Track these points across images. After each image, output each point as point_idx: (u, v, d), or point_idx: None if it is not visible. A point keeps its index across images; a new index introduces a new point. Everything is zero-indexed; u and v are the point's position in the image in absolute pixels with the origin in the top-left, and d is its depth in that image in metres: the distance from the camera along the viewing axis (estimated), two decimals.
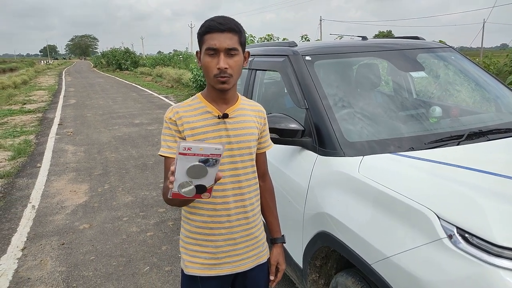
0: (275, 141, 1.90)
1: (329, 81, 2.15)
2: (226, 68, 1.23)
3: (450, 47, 2.57)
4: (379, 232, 1.41)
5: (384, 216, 1.41)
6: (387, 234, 1.38)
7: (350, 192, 1.60)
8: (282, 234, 1.58)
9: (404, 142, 1.79)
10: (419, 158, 1.63)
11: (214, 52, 1.23)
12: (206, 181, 1.03)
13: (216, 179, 1.04)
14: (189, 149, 0.96)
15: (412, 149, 1.74)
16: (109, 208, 4.05)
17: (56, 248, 3.28)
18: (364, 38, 2.53)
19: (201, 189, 1.03)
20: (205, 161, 0.99)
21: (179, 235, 1.48)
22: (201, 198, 1.06)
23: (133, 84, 20.23)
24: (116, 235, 3.46)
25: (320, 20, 34.30)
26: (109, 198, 4.32)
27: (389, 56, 2.25)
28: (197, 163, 0.99)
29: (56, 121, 9.39)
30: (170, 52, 36.45)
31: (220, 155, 0.99)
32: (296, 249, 1.95)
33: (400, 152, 1.72)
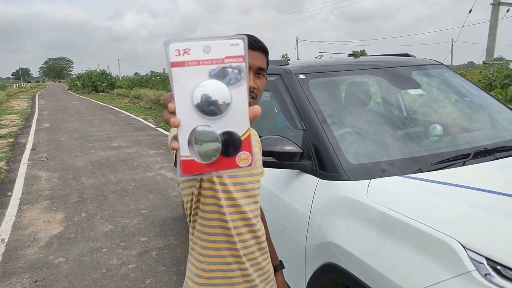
0: (270, 164, 1.76)
1: (325, 100, 2.05)
2: (254, 87, 1.16)
3: (441, 63, 2.52)
4: (398, 265, 1.28)
5: (401, 246, 1.28)
6: (407, 267, 1.25)
7: (360, 220, 1.47)
8: (280, 259, 1.47)
9: (411, 163, 1.68)
10: (430, 180, 1.52)
11: None
12: (235, 122, 0.61)
13: (253, 115, 0.63)
14: (186, 51, 0.58)
15: (420, 170, 1.63)
16: (86, 239, 3.78)
17: (28, 286, 2.99)
18: (355, 55, 2.45)
19: (231, 144, 0.61)
20: (222, 75, 0.60)
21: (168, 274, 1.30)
22: (238, 166, 0.62)
23: (110, 106, 19.84)
24: (95, 269, 3.20)
25: (297, 41, 34.90)
26: (86, 228, 4.05)
27: (385, 74, 2.17)
28: (208, 80, 0.60)
29: (29, 146, 8.99)
30: (147, 74, 36.22)
31: (243, 57, 0.60)
32: (298, 282, 1.79)
33: (408, 174, 1.61)
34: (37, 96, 34.67)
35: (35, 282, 3.06)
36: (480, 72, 10.24)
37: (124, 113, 15.93)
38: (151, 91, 21.65)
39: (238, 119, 0.60)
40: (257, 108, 0.64)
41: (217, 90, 0.59)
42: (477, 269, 1.09)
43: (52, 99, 28.84)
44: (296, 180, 1.86)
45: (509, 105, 2.31)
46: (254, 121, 0.63)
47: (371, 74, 2.24)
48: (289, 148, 1.80)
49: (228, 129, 0.60)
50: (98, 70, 38.95)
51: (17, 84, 73.14)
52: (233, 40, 0.60)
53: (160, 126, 11.39)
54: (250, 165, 0.62)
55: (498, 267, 1.08)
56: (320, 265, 1.60)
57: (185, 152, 0.60)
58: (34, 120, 14.65)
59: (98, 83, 35.65)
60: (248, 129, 0.61)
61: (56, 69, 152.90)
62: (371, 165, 1.66)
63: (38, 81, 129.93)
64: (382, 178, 1.59)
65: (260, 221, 1.32)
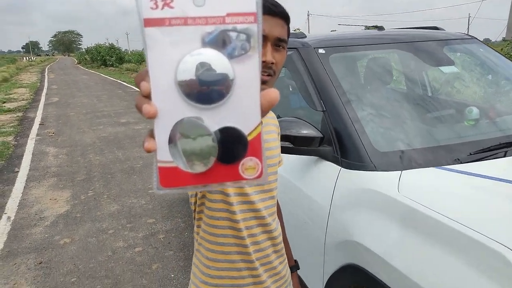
0: (286, 150, 1.58)
1: (347, 78, 1.83)
2: (272, 62, 0.95)
3: (474, 38, 2.27)
4: (435, 274, 1.10)
5: (443, 253, 1.10)
6: (447, 277, 1.07)
7: (389, 217, 1.29)
8: (294, 259, 1.31)
9: (447, 152, 1.48)
10: (472, 174, 1.33)
11: None
12: (240, 113, 0.41)
13: (268, 102, 0.42)
14: (167, 2, 0.39)
15: (459, 161, 1.43)
16: (93, 219, 3.68)
17: (33, 268, 2.91)
18: (380, 28, 2.21)
19: (232, 146, 0.42)
20: (221, 41, 0.40)
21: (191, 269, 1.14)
22: (241, 178, 0.43)
23: (119, 81, 19.65)
24: (100, 252, 3.10)
25: (308, 15, 33.96)
26: (93, 207, 3.95)
27: (414, 49, 1.94)
28: (201, 49, 0.40)
29: (37, 120, 8.90)
30: None
31: (255, 16, 0.40)
32: (314, 284, 1.63)
33: (444, 165, 1.41)
34: (46, 69, 34.61)
35: (40, 263, 2.97)
36: (501, 49, 9.77)
37: (133, 89, 15.75)
38: None
39: (244, 108, 0.41)
40: (273, 93, 0.42)
41: (214, 63, 0.40)
42: None
43: (62, 73, 28.75)
44: (314, 168, 1.67)
45: None
46: (268, 111, 0.43)
47: (399, 48, 2.00)
48: (307, 131, 1.61)
49: (229, 123, 0.41)
50: (107, 44, 38.60)
51: (27, 58, 73.20)
52: None
53: None
54: (259, 177, 0.43)
55: None
56: (341, 266, 1.43)
57: (164, 155, 0.41)
58: (43, 94, 14.57)
59: (107, 57, 35.38)
60: (259, 123, 0.42)
61: (65, 43, 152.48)
62: (402, 154, 1.47)
63: (47, 55, 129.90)
64: (415, 170, 1.39)
65: (277, 218, 1.15)
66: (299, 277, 1.44)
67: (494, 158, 1.46)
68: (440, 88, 2.01)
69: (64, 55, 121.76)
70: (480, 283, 0.98)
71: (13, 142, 6.87)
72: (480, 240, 1.01)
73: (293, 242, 1.33)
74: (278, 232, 1.13)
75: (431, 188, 1.31)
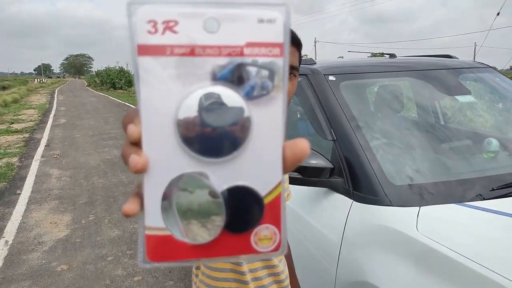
0: (295, 181, 1.49)
1: (359, 106, 1.76)
2: None
3: (490, 67, 2.20)
4: None
5: None
6: None
7: (407, 258, 1.18)
8: None
9: (468, 186, 1.38)
10: (497, 212, 1.22)
11: None
12: (257, 168, 0.33)
13: (295, 156, 0.34)
14: (170, 25, 0.31)
15: (481, 196, 1.33)
16: (92, 245, 3.57)
17: None
18: (392, 55, 2.15)
19: (244, 210, 0.33)
20: (237, 78, 0.32)
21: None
22: (254, 251, 0.34)
23: (127, 104, 19.83)
24: (98, 280, 2.97)
25: (315, 42, 34.42)
26: (93, 232, 3.84)
27: (428, 78, 1.87)
28: (210, 86, 0.32)
29: (43, 142, 8.91)
30: None
31: (281, 47, 0.32)
32: None
33: (466, 201, 1.31)
34: (56, 91, 35.15)
35: None
36: (511, 77, 9.73)
37: None
38: None
39: (262, 163, 0.33)
40: (303, 144, 0.34)
41: (224, 96, 0.32)
42: None
43: (71, 95, 29.15)
44: (324, 200, 1.57)
45: None
46: (293, 168, 0.34)
47: (412, 77, 1.94)
48: (316, 162, 1.52)
49: (242, 181, 0.33)
50: (117, 67, 39.30)
51: (38, 79, 74.63)
52: (265, 12, 0.31)
53: None
54: (276, 249, 0.34)
55: None
56: None
57: (154, 221, 0.32)
58: (51, 115, 14.69)
59: (116, 80, 35.94)
60: (280, 182, 0.34)
61: (76, 66, 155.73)
62: (419, 188, 1.37)
63: (58, 77, 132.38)
64: (434, 206, 1.29)
65: (284, 260, 1.05)
66: None
67: None
68: (455, 118, 1.92)
69: (75, 78, 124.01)
70: None
71: (17, 164, 6.84)
72: (504, 285, 0.90)
73: (302, 278, 1.23)
74: (285, 274, 1.03)
75: (452, 227, 1.21)
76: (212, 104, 0.31)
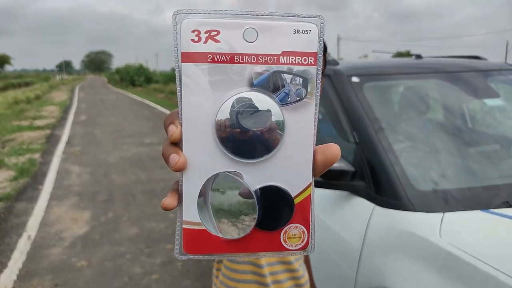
0: (316, 184, 1.47)
1: (382, 108, 1.73)
2: None
3: None
4: None
5: None
6: None
7: (430, 265, 1.15)
8: None
9: (494, 193, 1.34)
10: None
11: None
12: (288, 170, 0.35)
13: (326, 159, 0.35)
14: (212, 35, 0.33)
15: (508, 204, 1.29)
16: (111, 242, 3.62)
17: None
18: (418, 56, 2.10)
19: (275, 209, 0.35)
20: (272, 84, 0.34)
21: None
22: (283, 249, 0.36)
23: (145, 101, 20.07)
24: (116, 277, 3.02)
25: (338, 39, 34.07)
26: (112, 230, 3.90)
27: (456, 80, 1.82)
28: (247, 92, 0.33)
29: (64, 138, 9.09)
30: None
31: (316, 56, 0.34)
32: None
33: (492, 208, 1.27)
34: (77, 88, 35.83)
35: (56, 286, 2.92)
36: None
37: (159, 109, 16.02)
38: None
39: (294, 165, 0.35)
40: (334, 148, 0.36)
41: (256, 101, 0.34)
42: None
43: (91, 92, 29.67)
44: (345, 203, 1.55)
45: None
46: (324, 171, 0.36)
47: (438, 79, 1.89)
48: (338, 164, 1.50)
49: (274, 182, 0.35)
50: (136, 64, 39.81)
51: (60, 76, 76.26)
52: (300, 23, 0.33)
53: None
54: (304, 247, 0.36)
55: None
56: None
57: (191, 216, 0.35)
58: (72, 112, 14.99)
59: (135, 77, 36.41)
60: (310, 184, 0.35)
61: (96, 62, 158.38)
62: (444, 194, 1.34)
63: (79, 74, 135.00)
64: (458, 212, 1.26)
65: (303, 264, 1.04)
66: None
67: None
68: (483, 122, 1.87)
69: (95, 75, 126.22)
70: None
71: (39, 160, 6.99)
72: None
73: (321, 282, 1.22)
74: (305, 279, 1.02)
75: (476, 235, 1.18)
76: (245, 108, 0.33)
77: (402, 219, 1.31)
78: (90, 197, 4.90)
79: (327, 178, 1.51)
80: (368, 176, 1.48)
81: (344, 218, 1.53)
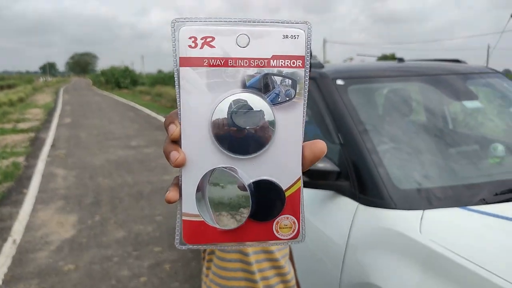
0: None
1: (366, 110, 1.78)
2: None
3: (498, 72, 2.21)
4: None
5: None
6: None
7: (411, 260, 1.20)
8: None
9: (471, 191, 1.40)
10: (500, 216, 1.24)
11: None
12: (279, 165, 0.38)
13: (314, 154, 0.39)
14: (207, 41, 0.36)
15: (484, 201, 1.35)
16: (98, 245, 3.60)
17: None
18: (400, 60, 2.16)
19: (267, 202, 0.38)
20: (263, 86, 0.37)
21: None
22: (275, 238, 0.39)
23: (131, 104, 19.92)
24: (104, 280, 3.01)
25: (324, 42, 34.32)
26: (99, 233, 3.88)
27: (437, 82, 1.88)
28: (240, 94, 0.37)
29: (49, 141, 8.97)
30: (170, 71, 36.43)
31: (303, 60, 0.37)
32: None
33: (469, 205, 1.33)
34: (61, 90, 35.32)
35: None
36: None
37: (145, 111, 15.92)
38: (173, 89, 21.60)
39: (284, 160, 0.38)
40: (320, 144, 0.39)
41: (251, 102, 0.37)
42: None
43: (76, 94, 29.29)
44: (330, 203, 1.60)
45: None
46: (311, 165, 0.39)
47: (420, 82, 1.95)
48: (323, 165, 1.54)
49: (266, 176, 0.38)
50: (121, 67, 39.45)
51: (43, 78, 75.00)
52: (289, 29, 0.36)
53: None
54: (294, 237, 0.40)
55: None
56: None
57: (190, 208, 0.38)
58: (57, 115, 14.78)
59: (121, 80, 36.08)
60: (299, 178, 0.39)
61: (81, 64, 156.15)
62: (424, 192, 1.39)
63: (63, 76, 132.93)
64: (438, 210, 1.32)
65: (289, 261, 1.08)
66: None
67: None
68: (462, 123, 1.94)
69: (79, 77, 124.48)
70: None
71: (23, 163, 6.89)
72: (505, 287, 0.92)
73: (305, 281, 1.25)
74: (291, 275, 1.06)
75: (455, 231, 1.23)
76: (240, 108, 0.36)
77: (384, 217, 1.35)
78: (76, 200, 4.86)
79: (313, 178, 1.55)
80: (352, 176, 1.52)
81: (329, 217, 1.58)
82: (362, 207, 1.45)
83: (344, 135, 1.61)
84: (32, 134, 10.05)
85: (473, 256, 1.07)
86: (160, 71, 50.66)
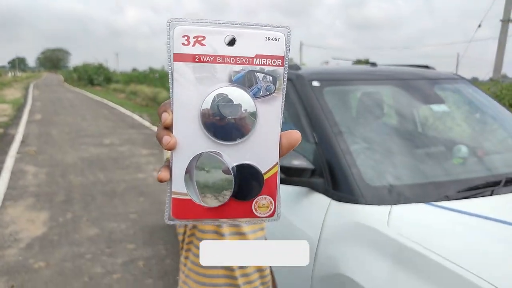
0: None
1: (341, 111, 1.86)
2: None
3: (464, 78, 2.34)
4: None
5: None
6: None
7: (379, 252, 1.28)
8: None
9: (436, 188, 1.50)
10: (461, 211, 1.34)
11: None
12: (260, 151, 0.43)
13: (289, 143, 0.44)
14: (199, 40, 0.40)
15: (447, 198, 1.45)
16: (70, 243, 3.55)
17: None
18: (373, 64, 2.26)
19: (248, 183, 0.43)
20: (247, 81, 0.42)
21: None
22: (254, 216, 0.44)
23: (105, 101, 19.54)
24: (76, 277, 2.97)
25: (301, 45, 34.74)
26: (71, 230, 3.82)
27: (406, 86, 1.98)
28: (227, 87, 0.41)
29: (18, 138, 8.71)
30: (145, 70, 35.88)
31: (283, 59, 0.42)
32: None
33: (433, 201, 1.42)
34: (31, 86, 34.21)
35: (12, 287, 2.83)
36: (488, 89, 10.10)
37: (119, 109, 15.66)
38: (148, 87, 21.35)
39: (263, 147, 0.43)
40: (295, 134, 0.45)
41: (232, 96, 0.42)
42: None
43: (47, 90, 28.45)
44: (305, 199, 1.66)
45: None
46: (287, 152, 0.45)
47: (391, 85, 2.05)
48: (299, 162, 1.61)
49: (248, 160, 0.43)
50: (95, 64, 38.59)
51: (12, 73, 72.42)
52: (271, 32, 0.42)
53: (156, 125, 11.14)
54: (271, 215, 0.45)
55: None
56: None
57: (179, 187, 0.43)
58: (27, 111, 14.34)
59: (94, 77, 35.30)
60: (277, 163, 0.44)
61: (53, 60, 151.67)
62: (392, 188, 1.48)
63: (34, 71, 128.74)
64: (405, 205, 1.40)
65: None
66: None
67: (482, 197, 1.48)
68: (430, 126, 2.06)
69: (51, 72, 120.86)
70: None
71: None
72: (465, 276, 1.01)
73: (278, 274, 1.31)
74: (267, 269, 1.11)
75: (420, 224, 1.32)
76: (224, 101, 0.41)
77: (355, 211, 1.43)
78: (47, 197, 4.76)
79: (288, 175, 1.61)
80: (326, 173, 1.59)
81: (303, 212, 1.64)
82: (334, 203, 1.52)
83: (319, 134, 1.68)
84: (0, 130, 9.73)
85: (438, 248, 1.15)
86: (134, 69, 49.76)
